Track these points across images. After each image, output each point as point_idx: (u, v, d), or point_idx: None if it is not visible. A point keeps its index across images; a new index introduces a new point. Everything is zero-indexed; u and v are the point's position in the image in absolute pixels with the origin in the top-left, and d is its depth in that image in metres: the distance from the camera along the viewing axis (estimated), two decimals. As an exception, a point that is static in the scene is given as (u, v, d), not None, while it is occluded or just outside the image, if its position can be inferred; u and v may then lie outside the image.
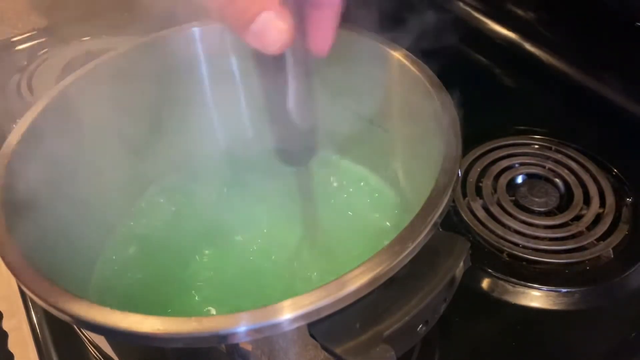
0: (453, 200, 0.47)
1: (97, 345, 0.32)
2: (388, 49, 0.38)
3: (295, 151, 0.33)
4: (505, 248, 0.44)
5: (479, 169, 0.50)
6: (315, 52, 0.29)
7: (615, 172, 0.50)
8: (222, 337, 0.23)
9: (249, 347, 0.26)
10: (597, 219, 0.46)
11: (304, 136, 0.31)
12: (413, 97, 0.37)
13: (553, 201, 0.48)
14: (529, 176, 0.50)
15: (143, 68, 0.40)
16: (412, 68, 0.36)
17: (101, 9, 0.71)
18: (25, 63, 0.65)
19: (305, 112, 0.30)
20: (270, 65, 0.28)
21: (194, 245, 0.41)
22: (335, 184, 0.45)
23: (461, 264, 0.29)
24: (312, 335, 0.25)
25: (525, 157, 0.52)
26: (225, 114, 0.47)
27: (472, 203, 0.47)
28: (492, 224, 0.46)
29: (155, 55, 0.41)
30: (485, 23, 0.69)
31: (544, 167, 0.51)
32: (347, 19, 0.42)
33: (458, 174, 0.29)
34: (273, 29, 0.23)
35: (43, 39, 0.69)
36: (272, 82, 0.29)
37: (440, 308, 0.30)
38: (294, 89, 0.29)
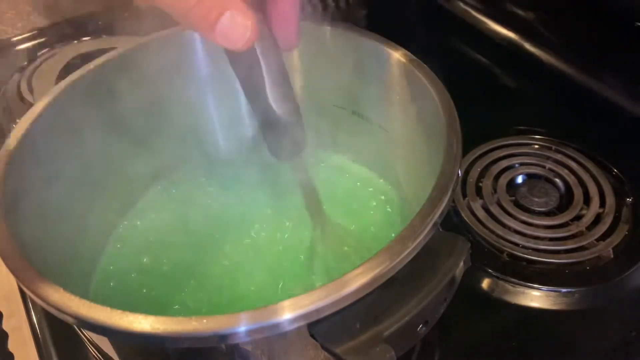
0: (453, 200, 0.47)
1: (97, 345, 0.32)
2: (388, 49, 0.38)
3: (284, 145, 0.33)
4: (505, 248, 0.44)
5: (479, 169, 0.50)
6: (282, 45, 0.30)
7: (615, 172, 0.50)
8: (222, 337, 0.23)
9: (249, 347, 0.26)
10: (597, 219, 0.46)
11: (290, 129, 0.32)
12: (413, 97, 0.37)
13: (553, 201, 0.48)
14: (529, 176, 0.50)
15: (143, 68, 0.40)
16: (412, 68, 0.36)
17: (101, 9, 0.71)
18: (25, 63, 0.65)
19: (286, 104, 0.31)
20: (244, 63, 0.29)
21: (194, 245, 0.41)
22: (334, 184, 0.45)
23: (461, 264, 0.29)
24: (312, 335, 0.25)
25: (525, 157, 0.52)
26: (225, 114, 0.47)
27: (472, 203, 0.47)
28: (492, 224, 0.46)
29: (155, 55, 0.41)
30: (485, 23, 0.69)
31: (544, 167, 0.51)
32: (347, 19, 0.42)
33: (458, 174, 0.29)
34: (237, 27, 0.25)
35: (43, 39, 0.69)
36: (249, 78, 0.30)
37: (440, 308, 0.30)
38: (270, 83, 0.30)
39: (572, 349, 0.39)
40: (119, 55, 0.39)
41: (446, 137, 0.31)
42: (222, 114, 0.47)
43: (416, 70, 0.36)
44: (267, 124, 0.32)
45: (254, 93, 0.31)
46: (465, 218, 0.46)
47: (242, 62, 0.29)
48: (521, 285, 0.42)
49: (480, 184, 0.49)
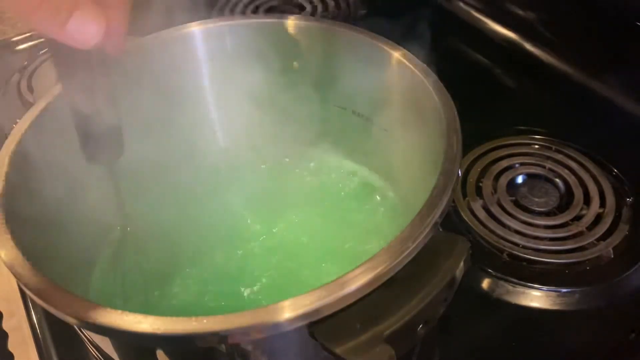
0: (453, 200, 0.47)
1: (97, 345, 0.32)
2: (388, 49, 0.38)
3: (102, 149, 0.33)
4: (505, 248, 0.44)
5: (479, 169, 0.50)
6: (111, 50, 0.30)
7: (615, 172, 0.50)
8: (222, 337, 0.23)
9: (249, 347, 0.26)
10: (597, 219, 0.46)
11: (110, 134, 0.32)
12: (413, 97, 0.37)
13: (553, 201, 0.48)
14: (529, 176, 0.50)
15: (143, 68, 0.40)
16: (412, 68, 0.36)
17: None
18: (25, 63, 0.65)
19: (110, 108, 0.31)
20: (73, 66, 0.29)
21: (193, 245, 0.41)
22: (334, 184, 0.45)
23: (461, 264, 0.28)
24: (312, 335, 0.25)
25: (525, 157, 0.52)
26: (225, 114, 0.47)
27: (472, 203, 0.47)
28: (492, 224, 0.46)
29: (155, 55, 0.41)
30: (485, 23, 0.69)
31: (544, 167, 0.51)
32: (347, 19, 0.42)
33: (458, 174, 0.29)
34: (88, 26, 0.25)
35: (43, 39, 0.69)
36: (76, 81, 0.29)
37: (440, 308, 0.30)
38: (99, 87, 0.30)
39: (572, 349, 0.39)
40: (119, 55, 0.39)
41: (446, 137, 0.31)
42: (222, 114, 0.47)
43: (416, 71, 0.36)
44: (87, 127, 0.31)
45: (80, 97, 0.30)
46: (465, 218, 0.46)
47: (73, 66, 0.29)
48: (521, 285, 0.42)
49: (480, 184, 0.49)
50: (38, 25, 0.25)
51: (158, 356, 0.28)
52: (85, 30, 0.25)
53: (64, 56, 0.28)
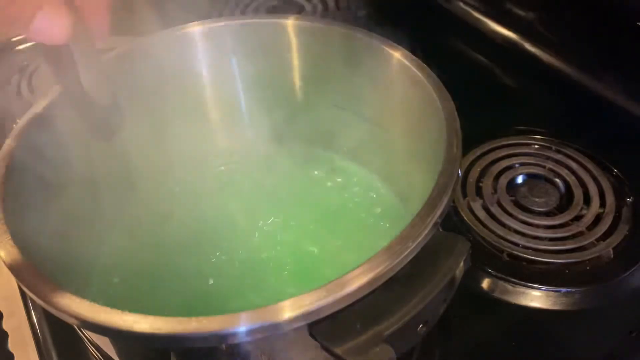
0: (453, 200, 0.47)
1: (97, 345, 0.32)
2: (388, 49, 0.38)
3: (100, 126, 0.34)
4: (505, 248, 0.44)
5: (479, 169, 0.50)
6: (96, 34, 0.30)
7: (615, 172, 0.50)
8: (222, 337, 0.23)
9: (249, 347, 0.26)
10: (597, 219, 0.46)
11: (106, 111, 0.33)
12: (413, 97, 0.37)
13: (553, 201, 0.48)
14: (529, 176, 0.50)
15: (143, 68, 0.40)
16: (412, 68, 0.36)
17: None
18: (25, 63, 0.65)
19: (101, 89, 0.32)
20: (58, 52, 0.29)
21: (193, 245, 0.41)
22: (335, 184, 0.45)
23: (461, 264, 0.29)
24: (312, 335, 0.25)
25: (525, 157, 0.52)
26: (225, 114, 0.47)
27: (472, 203, 0.47)
28: (492, 224, 0.46)
29: (155, 55, 0.41)
30: (485, 23, 0.69)
31: (544, 167, 0.51)
32: (347, 19, 0.42)
33: (458, 174, 0.29)
34: (52, 25, 0.26)
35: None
36: (63, 67, 0.30)
37: (440, 308, 0.30)
38: (85, 70, 0.30)
39: (572, 349, 0.39)
40: (119, 55, 0.39)
41: (446, 137, 0.31)
42: (222, 114, 0.47)
43: (416, 70, 0.36)
44: (82, 107, 0.32)
45: (69, 82, 0.31)
46: (465, 218, 0.46)
47: (57, 52, 0.29)
48: (521, 285, 0.42)
49: (480, 184, 0.49)
50: (5, 26, 0.25)
51: (158, 356, 0.28)
52: (51, 28, 0.26)
53: (48, 50, 0.29)
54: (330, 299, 0.23)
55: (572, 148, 0.52)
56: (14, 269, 0.26)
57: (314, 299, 0.23)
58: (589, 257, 0.43)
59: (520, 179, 0.50)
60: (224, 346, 0.25)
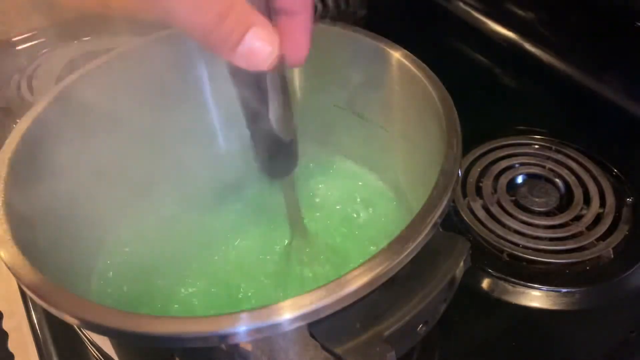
0: (453, 200, 0.47)
1: (97, 345, 0.32)
2: (388, 49, 0.38)
3: (279, 164, 0.33)
4: (505, 248, 0.44)
5: (479, 169, 0.50)
6: (291, 62, 0.28)
7: (615, 172, 0.50)
8: (222, 337, 0.23)
9: (249, 347, 0.26)
10: (597, 219, 0.46)
11: (285, 148, 0.32)
12: (413, 97, 0.37)
13: (553, 201, 0.48)
14: (529, 176, 0.50)
15: (143, 68, 0.40)
16: (412, 68, 0.36)
17: (101, 9, 0.70)
18: (25, 63, 0.65)
19: (286, 124, 0.30)
20: (249, 82, 0.28)
21: (193, 246, 0.41)
22: (334, 184, 0.45)
23: (461, 264, 0.29)
24: (312, 335, 0.25)
25: (525, 157, 0.52)
26: (225, 114, 0.47)
27: (472, 203, 0.47)
28: (492, 224, 0.46)
29: (155, 55, 0.41)
30: (485, 23, 0.69)
31: (544, 167, 0.51)
32: (347, 19, 0.42)
33: (458, 174, 0.29)
34: (261, 48, 0.23)
35: (43, 39, 0.69)
36: (252, 98, 0.28)
37: (440, 308, 0.30)
38: (274, 103, 0.28)
39: (572, 349, 0.39)
40: (119, 55, 0.39)
41: (446, 137, 0.31)
42: (222, 114, 0.47)
43: (416, 70, 0.36)
44: (264, 144, 0.31)
45: (255, 113, 0.29)
46: (465, 218, 0.46)
47: (249, 82, 0.28)
48: (521, 285, 0.42)
49: (480, 184, 0.49)
50: (211, 48, 0.23)
51: (158, 356, 0.28)
52: (256, 54, 0.23)
53: (240, 73, 0.27)
54: (330, 299, 0.23)
55: (572, 148, 0.52)
56: (14, 269, 0.26)
57: (313, 299, 0.23)
58: (589, 257, 0.43)
59: (520, 179, 0.50)
60: (224, 346, 0.25)
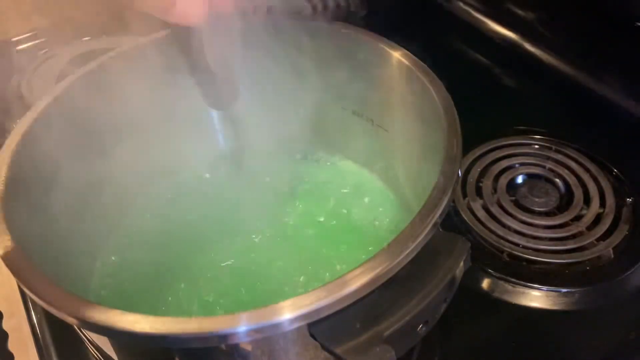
0: (453, 200, 0.47)
1: (97, 345, 0.32)
2: (388, 49, 0.38)
3: (218, 96, 0.39)
4: (505, 248, 0.44)
5: (479, 169, 0.50)
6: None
7: (615, 172, 0.50)
8: (222, 337, 0.23)
9: (249, 347, 0.26)
10: (597, 219, 0.46)
11: (225, 83, 0.37)
12: (413, 97, 0.37)
13: (553, 201, 0.48)
14: (529, 176, 0.50)
15: (143, 68, 0.40)
16: (412, 68, 0.36)
17: (101, 9, 0.71)
18: (25, 63, 0.65)
19: (223, 61, 0.36)
20: (188, 33, 0.33)
21: (193, 246, 0.41)
22: (335, 184, 0.45)
23: (461, 264, 0.29)
24: (312, 335, 0.25)
25: (525, 157, 0.52)
26: (225, 114, 0.47)
27: (472, 203, 0.47)
28: (492, 224, 0.46)
29: (155, 55, 0.41)
30: (485, 23, 0.69)
31: (544, 167, 0.51)
32: (347, 19, 0.42)
33: (458, 174, 0.29)
34: (192, 7, 0.31)
35: (43, 39, 0.69)
36: (192, 46, 0.34)
37: (440, 308, 0.30)
38: (210, 47, 0.34)
39: (572, 349, 0.39)
40: (119, 55, 0.39)
41: (446, 137, 0.31)
42: (222, 114, 0.47)
43: (416, 70, 0.36)
44: (204, 78, 0.37)
45: (191, 50, 0.34)
46: (465, 218, 0.46)
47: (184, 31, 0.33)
48: (521, 285, 0.42)
49: (480, 184, 0.49)
50: (151, 11, 0.31)
51: (158, 356, 0.28)
52: (189, 13, 0.31)
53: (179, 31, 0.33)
54: (330, 299, 0.23)
55: (572, 148, 0.52)
56: (14, 268, 0.26)
57: (313, 299, 0.23)
58: (589, 257, 0.43)
59: (520, 179, 0.50)
60: (224, 346, 0.25)
